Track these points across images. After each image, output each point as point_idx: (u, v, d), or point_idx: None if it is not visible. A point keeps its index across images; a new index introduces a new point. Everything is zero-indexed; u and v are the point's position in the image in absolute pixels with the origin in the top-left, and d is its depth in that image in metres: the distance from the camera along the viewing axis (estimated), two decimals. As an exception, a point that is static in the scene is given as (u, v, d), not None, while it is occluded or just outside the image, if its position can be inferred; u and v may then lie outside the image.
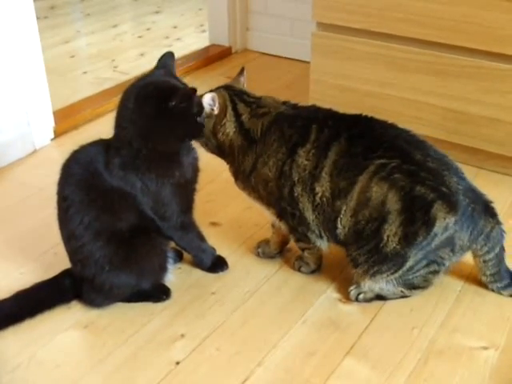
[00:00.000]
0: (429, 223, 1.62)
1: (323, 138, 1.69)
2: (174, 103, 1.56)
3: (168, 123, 1.60)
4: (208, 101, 1.71)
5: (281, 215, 1.80)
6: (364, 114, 1.75)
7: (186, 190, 1.74)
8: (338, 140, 1.67)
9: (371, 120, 1.74)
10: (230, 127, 1.75)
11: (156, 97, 1.58)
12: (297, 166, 1.70)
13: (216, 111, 1.74)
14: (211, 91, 1.74)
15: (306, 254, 1.86)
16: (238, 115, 1.76)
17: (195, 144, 1.77)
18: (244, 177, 1.79)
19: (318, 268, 1.89)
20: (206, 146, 1.80)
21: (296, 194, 1.71)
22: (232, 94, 1.77)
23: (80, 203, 1.63)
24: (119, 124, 1.63)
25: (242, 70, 1.87)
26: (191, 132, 1.69)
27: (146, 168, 1.63)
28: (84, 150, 1.68)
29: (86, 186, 1.64)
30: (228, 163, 1.83)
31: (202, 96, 1.70)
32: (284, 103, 1.80)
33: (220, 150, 1.80)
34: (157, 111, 1.58)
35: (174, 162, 1.68)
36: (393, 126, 1.73)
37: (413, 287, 1.74)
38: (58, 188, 1.68)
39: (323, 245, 1.80)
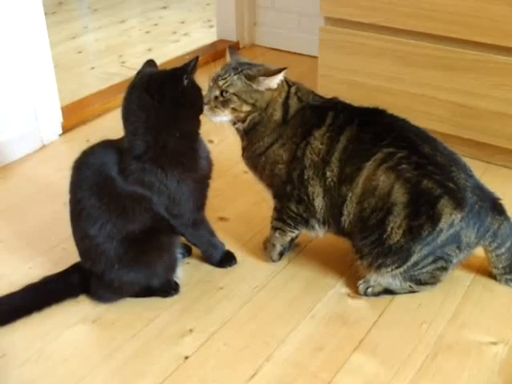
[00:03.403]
0: (434, 218, 1.61)
1: (338, 122, 1.70)
2: (187, 79, 1.62)
3: (187, 99, 1.64)
4: (282, 78, 1.73)
5: (278, 197, 1.82)
6: (378, 107, 1.75)
7: (203, 186, 1.75)
8: (351, 125, 1.68)
9: (383, 112, 1.74)
10: (282, 97, 1.75)
11: (171, 77, 1.62)
12: (311, 150, 1.70)
13: (276, 86, 1.73)
14: (273, 69, 1.73)
15: (277, 233, 1.86)
16: (289, 86, 1.77)
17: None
18: (255, 154, 1.78)
19: (284, 250, 1.90)
20: (248, 116, 1.73)
21: (306, 177, 1.72)
22: None
23: (93, 207, 1.64)
24: (141, 124, 1.62)
25: (232, 50, 1.87)
26: (201, 100, 1.70)
27: (169, 165, 1.64)
28: (94, 153, 1.69)
29: (98, 191, 1.64)
30: (245, 139, 1.80)
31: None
32: (312, 93, 1.81)
33: (254, 126, 1.76)
34: (176, 90, 1.62)
35: (194, 155, 1.71)
36: (404, 120, 1.73)
37: (420, 283, 1.74)
38: (70, 189, 1.69)
39: (321, 232, 1.80)
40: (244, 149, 1.82)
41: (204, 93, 1.72)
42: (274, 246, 1.89)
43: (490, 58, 2.20)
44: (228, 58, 1.83)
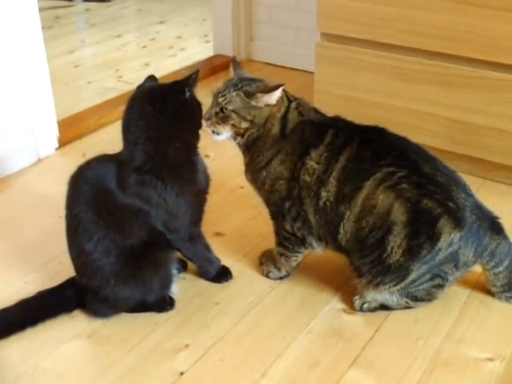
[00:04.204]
0: (434, 238, 1.61)
1: (337, 142, 1.70)
2: (189, 91, 1.64)
3: (188, 111, 1.67)
4: (279, 94, 1.72)
5: (274, 216, 1.82)
6: (379, 126, 1.75)
7: (200, 200, 1.76)
8: (351, 144, 1.68)
9: (383, 130, 1.74)
10: (281, 112, 1.74)
11: (173, 89, 1.64)
12: (305, 170, 1.70)
13: (275, 101, 1.73)
14: (271, 86, 1.73)
15: (282, 259, 1.86)
16: (289, 101, 1.77)
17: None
18: (256, 169, 1.78)
19: (287, 276, 1.90)
20: (246, 131, 1.74)
21: (302, 197, 1.72)
22: None
23: (90, 222, 1.64)
24: (141, 134, 1.63)
25: (235, 63, 1.87)
26: (200, 114, 1.71)
27: (169, 177, 1.64)
28: (92, 167, 1.69)
29: (95, 205, 1.64)
30: (247, 155, 1.80)
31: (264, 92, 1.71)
32: (314, 109, 1.81)
33: (254, 141, 1.76)
34: (177, 102, 1.64)
35: (193, 168, 1.71)
36: (404, 138, 1.73)
37: (416, 299, 1.74)
38: (66, 204, 1.69)
39: (320, 248, 1.80)
40: (247, 165, 1.82)
41: (204, 107, 1.72)
42: (279, 269, 1.89)
43: (485, 74, 2.21)
44: (231, 73, 1.84)
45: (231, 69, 1.85)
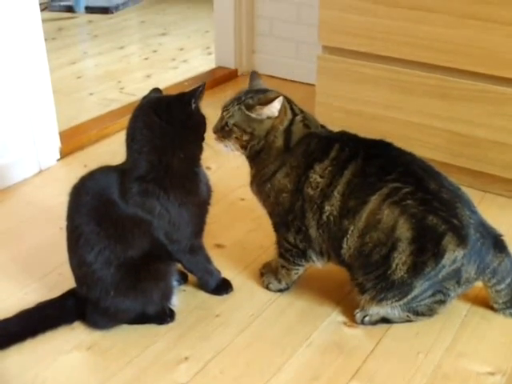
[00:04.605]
0: (438, 255, 1.61)
1: (343, 156, 1.69)
2: (195, 103, 1.65)
3: (193, 122, 1.67)
4: (278, 105, 1.72)
5: (277, 228, 1.82)
6: (384, 140, 1.75)
7: (202, 211, 1.76)
8: (356, 159, 1.68)
9: (390, 144, 1.74)
10: (283, 124, 1.74)
11: (179, 100, 1.65)
12: (308, 183, 1.70)
13: (277, 113, 1.73)
14: (270, 97, 1.73)
15: (283, 271, 1.86)
16: (294, 114, 1.76)
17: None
18: (261, 181, 1.78)
19: (286, 289, 1.89)
20: (248, 144, 1.74)
21: (304, 209, 1.72)
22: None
23: (91, 233, 1.63)
24: (146, 143, 1.63)
25: (254, 75, 1.89)
26: (204, 126, 1.72)
27: (172, 187, 1.64)
28: (94, 178, 1.69)
29: (97, 216, 1.64)
30: (253, 167, 1.81)
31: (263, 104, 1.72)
32: (321, 126, 1.81)
33: (258, 153, 1.76)
34: (183, 113, 1.65)
35: (196, 178, 1.72)
36: (410, 154, 1.72)
37: (418, 314, 1.74)
38: (67, 215, 1.69)
39: (320, 263, 1.80)
40: (253, 176, 1.82)
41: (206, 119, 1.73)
42: (279, 280, 1.88)
43: (486, 87, 2.21)
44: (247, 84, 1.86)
45: (248, 80, 1.88)
